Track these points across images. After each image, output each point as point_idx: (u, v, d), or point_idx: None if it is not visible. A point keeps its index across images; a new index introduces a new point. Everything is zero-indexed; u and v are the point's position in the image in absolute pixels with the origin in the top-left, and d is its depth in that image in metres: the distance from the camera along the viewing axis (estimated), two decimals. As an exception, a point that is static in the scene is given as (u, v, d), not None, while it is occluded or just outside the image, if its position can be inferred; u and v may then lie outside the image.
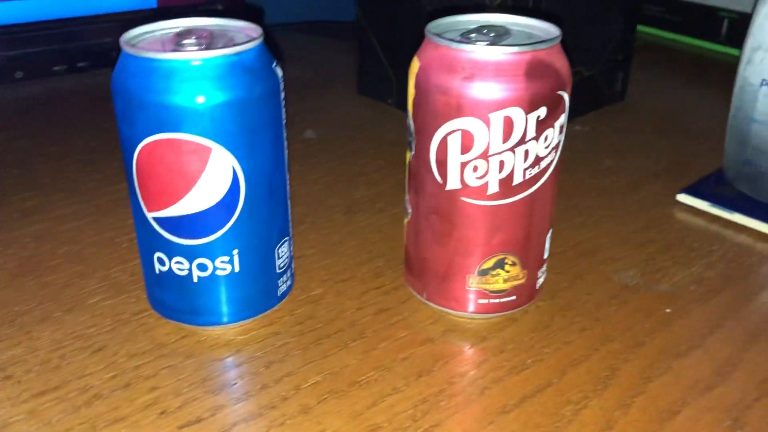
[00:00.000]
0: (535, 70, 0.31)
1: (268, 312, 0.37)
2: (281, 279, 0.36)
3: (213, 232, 0.33)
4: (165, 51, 0.31)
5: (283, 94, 0.34)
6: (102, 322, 0.37)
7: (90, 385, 0.32)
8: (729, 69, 0.74)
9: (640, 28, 0.86)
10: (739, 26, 0.77)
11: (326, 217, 0.47)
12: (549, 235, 0.36)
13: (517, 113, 0.31)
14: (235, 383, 0.33)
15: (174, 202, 0.32)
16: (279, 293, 0.36)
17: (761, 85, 0.43)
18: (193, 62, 0.30)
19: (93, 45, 0.49)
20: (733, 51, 0.78)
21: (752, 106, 0.44)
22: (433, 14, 0.35)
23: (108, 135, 0.57)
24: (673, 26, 0.84)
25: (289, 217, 0.37)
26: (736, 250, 0.43)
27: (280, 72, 0.33)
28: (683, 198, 0.48)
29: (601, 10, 0.58)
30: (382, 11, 0.60)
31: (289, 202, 0.36)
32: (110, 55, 0.49)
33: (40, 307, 0.38)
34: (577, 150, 0.56)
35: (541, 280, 0.37)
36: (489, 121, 0.31)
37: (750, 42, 0.44)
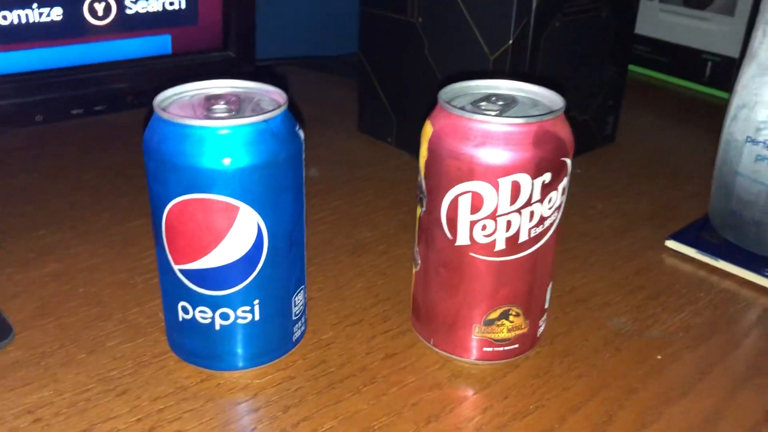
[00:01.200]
0: (541, 139, 0.33)
1: (282, 358, 0.39)
2: (296, 325, 0.38)
3: (237, 284, 0.34)
4: (197, 117, 0.33)
5: (304, 155, 0.36)
6: (123, 365, 0.38)
7: (117, 429, 0.34)
8: (711, 109, 0.78)
9: (629, 67, 0.89)
10: (721, 69, 0.81)
11: (332, 259, 0.49)
12: (550, 286, 0.39)
13: (524, 178, 0.33)
14: (255, 428, 0.34)
15: (201, 256, 0.34)
16: (294, 339, 0.38)
17: (746, 141, 0.46)
18: (223, 129, 0.32)
19: (110, 90, 0.51)
20: (716, 92, 0.82)
21: (737, 161, 0.47)
22: (444, 81, 0.37)
23: (115, 173, 0.59)
24: (660, 66, 0.87)
25: (305, 267, 0.39)
26: (722, 297, 0.46)
27: (302, 134, 0.35)
28: (672, 244, 0.50)
29: (595, 59, 0.60)
30: (382, 51, 0.62)
31: (305, 253, 0.38)
32: (126, 99, 0.51)
33: (62, 350, 0.39)
34: (570, 192, 0.58)
35: (542, 329, 0.39)
36: (498, 185, 0.33)
37: (736, 100, 0.47)
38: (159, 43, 0.51)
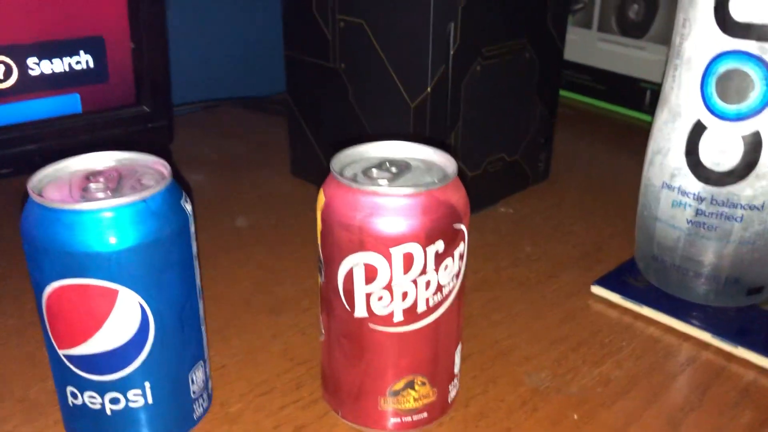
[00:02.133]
0: (431, 208, 0.32)
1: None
2: (197, 402, 0.37)
3: (123, 368, 0.33)
4: (70, 199, 0.31)
5: (193, 228, 0.34)
6: (17, 451, 0.36)
7: None
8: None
9: (565, 93, 0.89)
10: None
11: (251, 320, 0.47)
12: (458, 350, 0.38)
13: (415, 248, 0.32)
14: None
15: (83, 341, 0.32)
16: (195, 417, 0.37)
17: (662, 187, 0.46)
18: (98, 212, 0.30)
19: (16, 152, 0.49)
20: (655, 121, 0.82)
21: (656, 206, 0.46)
22: (337, 145, 0.36)
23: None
24: (598, 94, 0.87)
25: (204, 340, 0.37)
26: (645, 346, 0.45)
27: (189, 207, 0.34)
28: (597, 290, 0.50)
29: (522, 98, 0.60)
30: (309, 95, 0.61)
31: (203, 327, 0.37)
32: (34, 160, 0.49)
33: (-47, 437, 0.37)
34: (500, 234, 0.58)
35: (452, 393, 0.38)
36: (390, 256, 0.32)
37: (651, 145, 0.46)
38: (68, 103, 0.50)
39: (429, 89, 0.52)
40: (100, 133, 0.49)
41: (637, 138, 0.79)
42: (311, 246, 0.56)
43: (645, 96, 0.83)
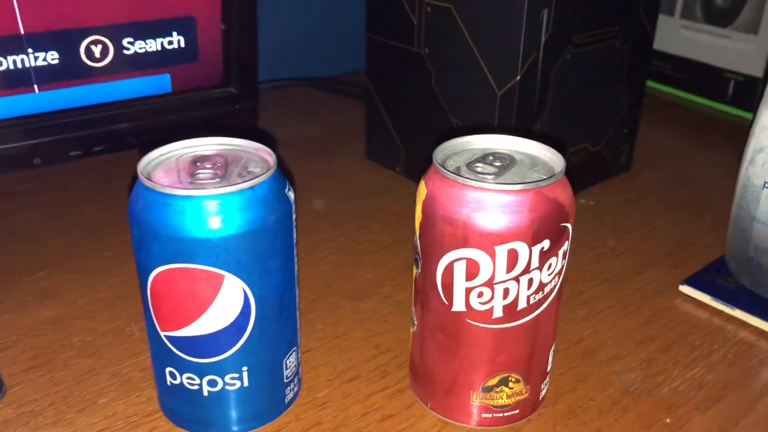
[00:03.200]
0: (538, 205, 0.32)
1: (276, 419, 0.38)
2: (288, 387, 0.37)
3: (223, 352, 0.33)
4: (180, 182, 0.32)
5: (294, 216, 0.34)
6: (114, 425, 0.37)
7: (102, 499, 0.33)
8: (733, 130, 0.75)
9: (649, 83, 0.86)
10: (744, 88, 0.78)
11: (333, 304, 0.47)
12: (552, 348, 0.37)
13: (521, 246, 0.32)
14: (243, 500, 0.33)
15: (186, 325, 0.33)
16: (286, 401, 0.37)
17: (763, 187, 0.44)
18: (208, 199, 0.31)
19: (109, 130, 0.50)
20: (739, 112, 0.79)
21: (755, 207, 0.45)
22: (440, 137, 0.35)
23: (117, 210, 0.58)
24: (679, 83, 0.84)
25: (298, 328, 0.37)
26: (737, 350, 0.44)
27: (292, 195, 0.34)
28: (686, 289, 0.48)
29: (609, 87, 0.58)
30: (389, 78, 0.61)
31: (297, 314, 0.37)
32: (125, 138, 0.50)
33: (52, 408, 0.38)
34: (581, 228, 0.57)
35: (544, 392, 0.38)
36: (494, 253, 0.32)
37: (753, 143, 0.45)
38: (158, 82, 0.50)
39: (518, 77, 0.51)
40: (188, 113, 0.50)
41: (719, 131, 0.77)
42: (388, 232, 0.56)
43: (728, 87, 0.80)
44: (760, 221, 0.44)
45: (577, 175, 0.61)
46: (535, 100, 0.52)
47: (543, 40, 0.50)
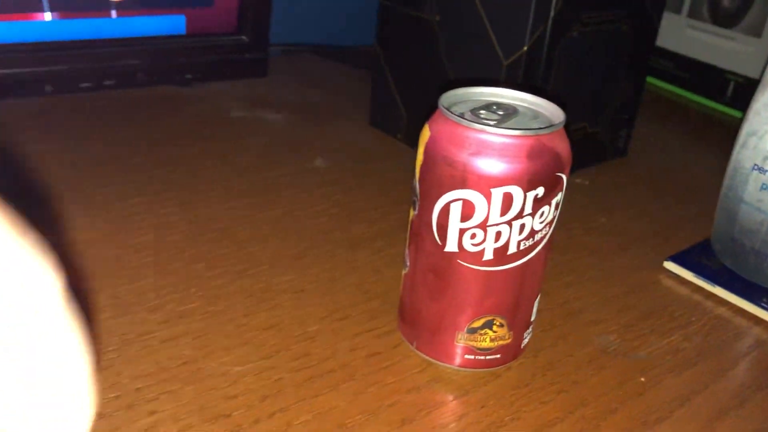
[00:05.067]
0: (536, 153, 0.33)
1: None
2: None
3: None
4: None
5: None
6: (109, 340, 0.39)
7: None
8: (729, 130, 0.77)
9: (648, 79, 0.88)
10: (744, 90, 0.80)
11: (329, 252, 0.49)
12: (537, 299, 0.39)
13: (516, 191, 0.33)
14: (230, 415, 0.35)
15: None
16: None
17: (752, 169, 0.45)
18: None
19: (120, 66, 0.51)
20: (736, 113, 0.81)
21: (743, 188, 0.46)
22: (446, 85, 0.37)
23: (120, 149, 0.59)
24: (680, 82, 0.86)
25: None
26: (714, 323, 0.45)
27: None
28: (670, 266, 0.50)
29: (611, 70, 0.60)
30: (398, 46, 0.62)
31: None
32: (135, 76, 0.51)
33: (51, 320, 0.40)
34: (575, 203, 0.58)
35: (526, 340, 0.39)
36: (490, 195, 0.33)
37: (746, 127, 0.46)
38: (173, 23, 0.51)
39: (525, 48, 0.52)
40: (199, 57, 0.51)
41: (715, 128, 0.79)
42: (386, 193, 0.57)
43: (728, 88, 0.82)
44: (747, 203, 0.46)
45: (574, 154, 0.62)
46: (540, 73, 0.54)
47: (552, 14, 0.52)
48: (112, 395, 0.35)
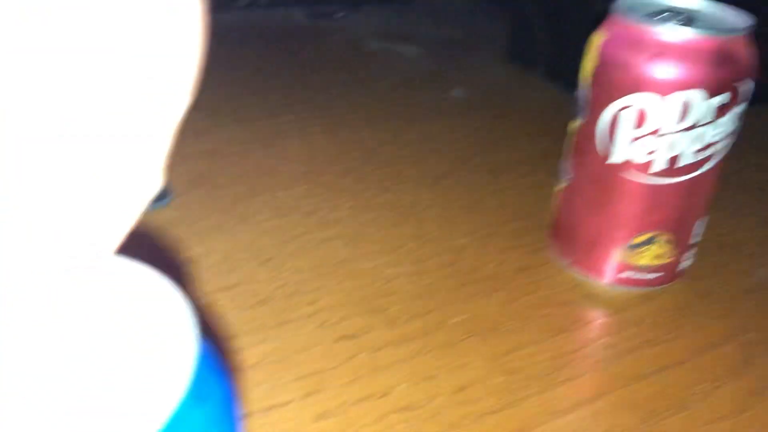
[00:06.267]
0: (719, 58, 0.31)
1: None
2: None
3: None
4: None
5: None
6: (273, 239, 0.40)
7: (254, 290, 0.36)
8: None
9: None
10: None
11: (470, 176, 0.49)
12: (703, 220, 0.37)
13: (695, 96, 0.32)
14: (387, 309, 0.36)
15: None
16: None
17: None
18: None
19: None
20: None
21: None
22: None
23: (263, 74, 0.61)
24: None
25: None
26: None
27: None
28: (836, 206, 0.47)
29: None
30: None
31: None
32: None
33: (213, 217, 0.42)
34: (753, 136, 0.55)
35: (686, 263, 0.38)
36: (666, 102, 0.32)
37: None
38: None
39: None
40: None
41: None
42: (524, 126, 0.56)
43: None
44: None
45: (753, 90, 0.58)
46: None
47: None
48: (276, 285, 0.37)
